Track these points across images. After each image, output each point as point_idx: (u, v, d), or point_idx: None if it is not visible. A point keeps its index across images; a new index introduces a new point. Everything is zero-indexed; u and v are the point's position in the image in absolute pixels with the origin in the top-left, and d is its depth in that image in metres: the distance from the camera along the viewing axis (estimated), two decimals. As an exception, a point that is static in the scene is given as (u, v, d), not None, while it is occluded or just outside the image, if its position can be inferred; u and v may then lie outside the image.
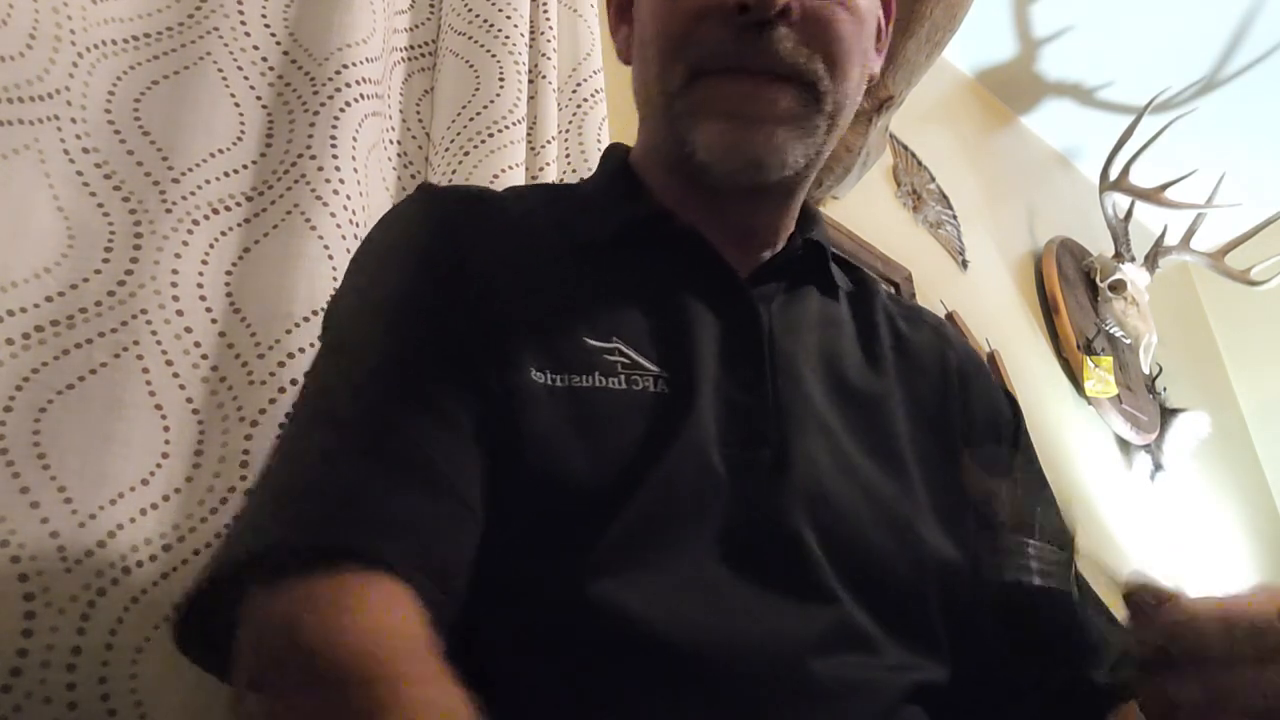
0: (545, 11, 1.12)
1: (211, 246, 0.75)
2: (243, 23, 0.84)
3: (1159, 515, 2.14)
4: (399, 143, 1.00)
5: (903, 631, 0.52)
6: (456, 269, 0.54)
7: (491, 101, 0.99)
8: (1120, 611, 0.43)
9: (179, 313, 0.71)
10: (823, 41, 0.56)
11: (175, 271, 0.72)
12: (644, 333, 0.55)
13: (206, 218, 0.76)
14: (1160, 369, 2.32)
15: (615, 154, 0.70)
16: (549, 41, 1.11)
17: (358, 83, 0.87)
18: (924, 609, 0.54)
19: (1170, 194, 2.17)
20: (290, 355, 0.72)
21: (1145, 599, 0.41)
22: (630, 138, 0.70)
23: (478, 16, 1.05)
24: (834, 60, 0.57)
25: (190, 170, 0.76)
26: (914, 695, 0.50)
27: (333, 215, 0.80)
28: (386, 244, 0.60)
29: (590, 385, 0.51)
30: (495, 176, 0.95)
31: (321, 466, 0.47)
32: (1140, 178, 2.18)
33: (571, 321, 0.53)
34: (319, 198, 0.79)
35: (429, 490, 0.46)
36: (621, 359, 0.53)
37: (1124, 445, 2.17)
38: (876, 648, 0.50)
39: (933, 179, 2.05)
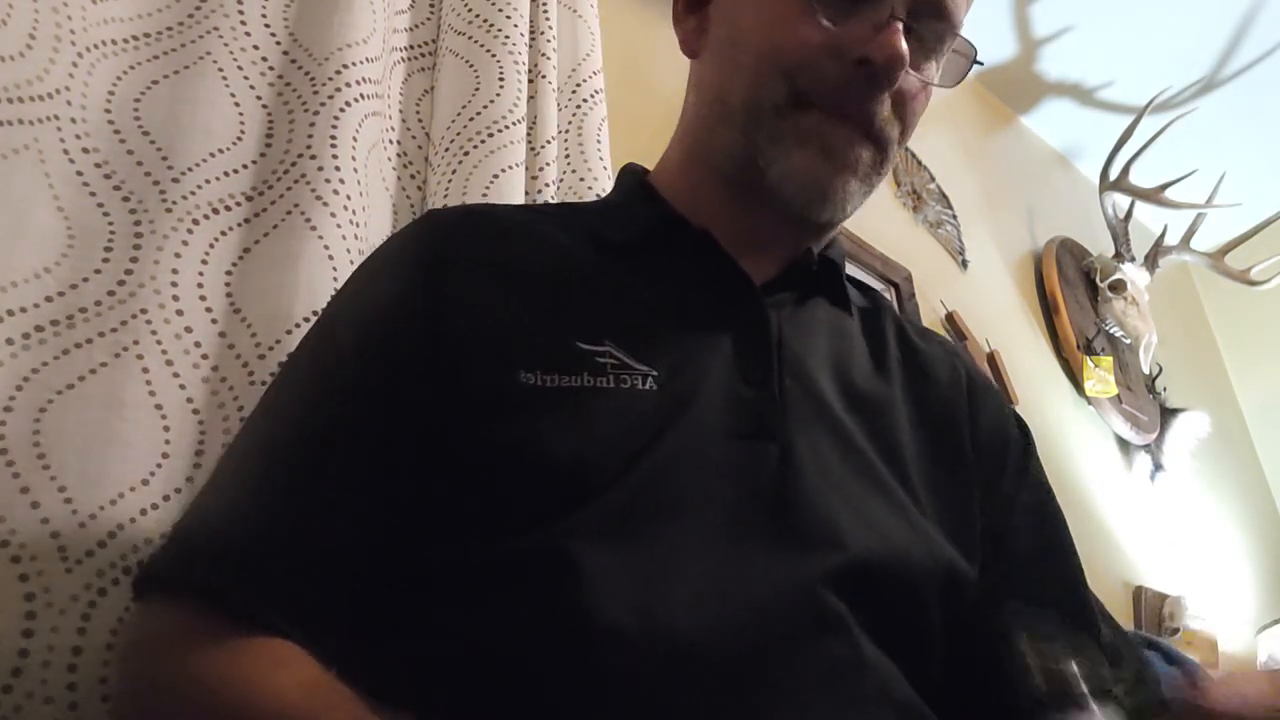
0: (545, 11, 1.12)
1: (211, 246, 0.75)
2: (243, 23, 0.84)
3: (1159, 515, 2.14)
4: (399, 143, 1.00)
5: (906, 619, 0.52)
6: (436, 288, 0.56)
7: (491, 101, 0.99)
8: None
9: (179, 313, 0.71)
10: (906, 115, 0.61)
11: (175, 271, 0.72)
12: (641, 335, 0.56)
13: (206, 217, 0.76)
14: (1160, 369, 2.32)
15: (631, 172, 0.72)
16: (549, 41, 1.10)
17: (358, 83, 0.87)
18: (932, 600, 0.54)
19: (1170, 194, 2.17)
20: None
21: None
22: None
23: (478, 16, 1.05)
24: (906, 132, 0.62)
25: (190, 170, 0.76)
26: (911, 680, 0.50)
27: (333, 215, 0.80)
28: (371, 268, 0.63)
29: (578, 385, 0.52)
30: (495, 176, 0.95)
31: (245, 507, 0.52)
32: (1140, 178, 2.19)
33: (564, 326, 0.55)
34: (319, 198, 0.79)
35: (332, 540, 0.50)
36: (611, 360, 0.54)
37: (1124, 445, 2.17)
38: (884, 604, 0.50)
39: (933, 179, 2.05)
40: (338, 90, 0.85)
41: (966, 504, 0.60)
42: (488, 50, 1.03)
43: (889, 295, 1.72)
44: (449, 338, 0.54)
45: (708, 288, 0.61)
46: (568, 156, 1.09)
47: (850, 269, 1.66)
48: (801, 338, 0.61)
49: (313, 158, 0.81)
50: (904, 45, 0.56)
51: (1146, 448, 2.21)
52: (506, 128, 0.98)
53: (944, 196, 2.06)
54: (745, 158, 0.60)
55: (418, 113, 1.04)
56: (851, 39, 0.57)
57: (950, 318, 1.84)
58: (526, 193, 1.00)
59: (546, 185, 1.02)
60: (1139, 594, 1.91)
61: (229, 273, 0.76)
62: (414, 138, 1.02)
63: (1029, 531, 0.64)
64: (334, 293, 0.64)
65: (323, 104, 0.84)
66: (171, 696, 0.47)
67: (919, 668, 0.51)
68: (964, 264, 2.01)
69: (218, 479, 0.56)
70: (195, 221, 0.75)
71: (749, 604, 0.47)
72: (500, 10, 1.05)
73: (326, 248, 0.78)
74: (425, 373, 0.53)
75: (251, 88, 0.84)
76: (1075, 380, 2.11)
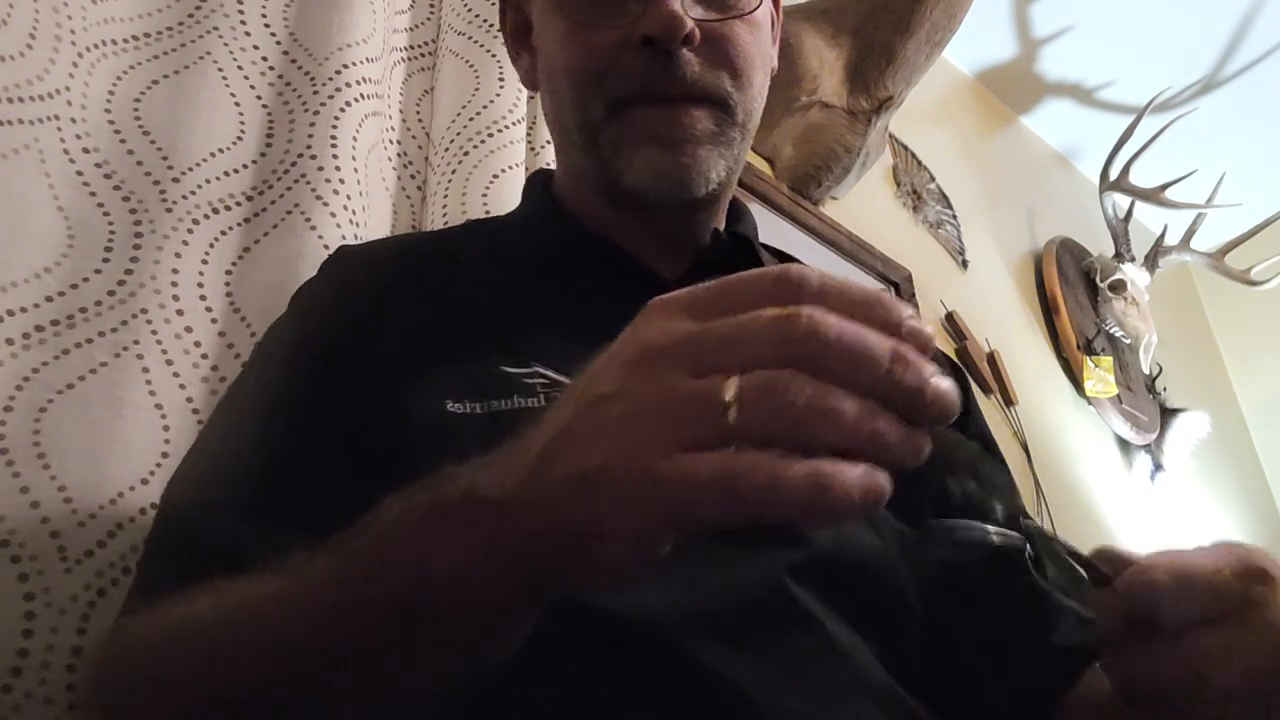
0: (545, 11, 1.12)
1: (211, 246, 0.75)
2: (243, 23, 0.85)
3: (1159, 515, 2.14)
4: (399, 143, 1.00)
5: (877, 604, 0.52)
6: (353, 323, 0.57)
7: (491, 101, 0.99)
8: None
9: (179, 312, 0.71)
10: (726, 58, 0.60)
11: (175, 271, 0.72)
12: (567, 352, 0.55)
13: (206, 217, 0.76)
14: (1160, 369, 2.32)
15: (537, 181, 0.72)
16: (549, 41, 1.11)
17: (358, 83, 0.87)
18: (905, 582, 0.54)
19: (1170, 194, 2.17)
20: (290, 355, 0.72)
21: (1102, 565, 0.39)
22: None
23: (477, 16, 1.05)
24: (738, 73, 0.60)
25: (190, 170, 0.76)
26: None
27: (333, 215, 0.80)
28: (291, 309, 0.63)
29: (511, 408, 0.52)
30: (495, 176, 0.95)
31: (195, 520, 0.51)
32: (1140, 178, 2.18)
33: (489, 352, 0.55)
34: (319, 198, 0.79)
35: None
36: (540, 379, 0.53)
37: (1124, 445, 2.17)
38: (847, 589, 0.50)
39: (933, 179, 2.05)
40: (338, 90, 0.85)
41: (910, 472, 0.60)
42: (488, 50, 1.03)
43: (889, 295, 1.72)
44: (376, 371, 0.54)
45: (624, 296, 0.60)
46: (568, 156, 1.09)
47: (850, 269, 1.67)
48: None
49: (313, 158, 0.81)
50: (672, 5, 0.56)
51: (1146, 448, 2.21)
52: (506, 128, 0.98)
53: (944, 196, 2.06)
54: (600, 173, 0.62)
55: (418, 113, 1.04)
56: (630, 25, 0.58)
57: (950, 318, 1.84)
58: (526, 193, 1.00)
59: (546, 185, 1.02)
60: (1139, 594, 1.91)
61: (229, 272, 0.76)
62: (414, 138, 1.02)
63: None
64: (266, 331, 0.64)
65: (323, 104, 0.84)
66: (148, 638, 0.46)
67: (901, 648, 0.52)
68: (964, 264, 2.01)
69: (171, 494, 0.55)
70: (195, 221, 0.75)
71: (718, 595, 0.47)
72: (500, 10, 1.05)
73: (326, 248, 0.78)
74: (364, 400, 0.53)
75: (251, 88, 0.84)
76: (1075, 380, 2.11)
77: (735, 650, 0.45)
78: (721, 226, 0.67)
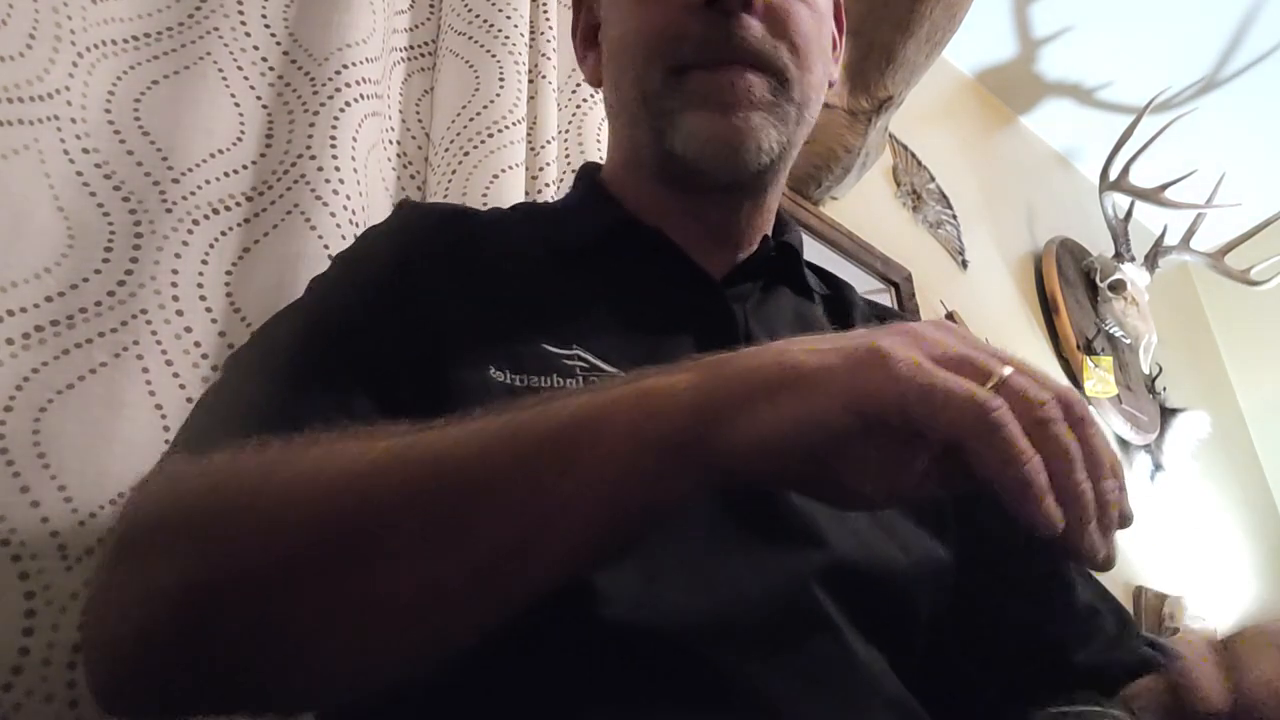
0: (545, 11, 1.12)
1: (211, 246, 0.75)
2: (243, 23, 0.85)
3: (1159, 515, 2.14)
4: (399, 143, 1.00)
5: (892, 614, 0.52)
6: (403, 276, 0.56)
7: (491, 101, 0.99)
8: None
9: (179, 313, 0.71)
10: (787, 31, 0.59)
11: (175, 271, 0.72)
12: (609, 338, 0.55)
13: (206, 218, 0.76)
14: (1160, 369, 2.32)
15: (586, 172, 0.72)
16: (549, 41, 1.11)
17: (358, 83, 0.87)
18: (919, 593, 0.54)
19: (1170, 194, 2.17)
20: (290, 355, 0.72)
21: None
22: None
23: (478, 16, 1.05)
24: (798, 50, 0.59)
25: (190, 170, 0.76)
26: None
27: (333, 215, 0.80)
28: (347, 255, 0.63)
29: (548, 386, 0.52)
30: (495, 176, 0.95)
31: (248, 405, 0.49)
32: (1140, 178, 2.19)
33: (532, 330, 0.55)
34: (319, 198, 0.80)
35: None
36: (580, 363, 0.53)
37: (1124, 445, 2.17)
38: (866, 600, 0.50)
39: (933, 179, 2.05)
40: (338, 90, 0.85)
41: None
42: (488, 50, 1.03)
43: (889, 295, 1.72)
44: (424, 328, 0.53)
45: (669, 288, 0.60)
46: (568, 156, 1.09)
47: (850, 269, 1.67)
48: (768, 331, 0.61)
49: (313, 158, 0.81)
50: None
51: (1146, 448, 2.21)
52: (506, 128, 0.98)
53: (944, 196, 2.06)
54: (656, 145, 0.61)
55: (418, 113, 1.04)
56: None
57: (950, 318, 1.84)
58: (526, 193, 1.00)
59: (546, 185, 1.02)
60: (1139, 594, 1.91)
61: (229, 273, 0.76)
62: (414, 138, 1.02)
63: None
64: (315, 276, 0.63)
65: (323, 104, 0.84)
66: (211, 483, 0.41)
67: (908, 659, 0.52)
68: (964, 264, 2.01)
69: (208, 399, 0.53)
70: (195, 222, 0.75)
71: (740, 599, 0.47)
72: (500, 10, 1.05)
73: (326, 248, 0.78)
74: (407, 357, 0.52)
75: (251, 88, 0.84)
76: (1075, 380, 2.11)
77: (756, 656, 0.45)
78: (769, 233, 0.67)
